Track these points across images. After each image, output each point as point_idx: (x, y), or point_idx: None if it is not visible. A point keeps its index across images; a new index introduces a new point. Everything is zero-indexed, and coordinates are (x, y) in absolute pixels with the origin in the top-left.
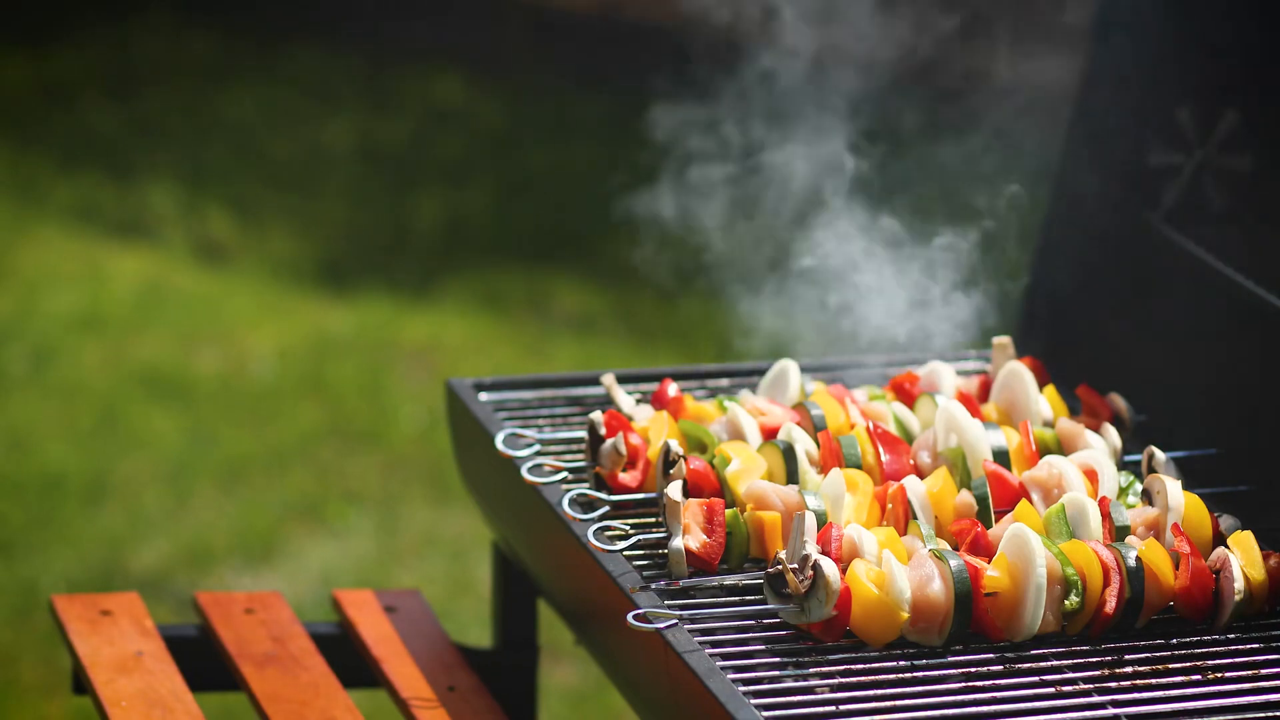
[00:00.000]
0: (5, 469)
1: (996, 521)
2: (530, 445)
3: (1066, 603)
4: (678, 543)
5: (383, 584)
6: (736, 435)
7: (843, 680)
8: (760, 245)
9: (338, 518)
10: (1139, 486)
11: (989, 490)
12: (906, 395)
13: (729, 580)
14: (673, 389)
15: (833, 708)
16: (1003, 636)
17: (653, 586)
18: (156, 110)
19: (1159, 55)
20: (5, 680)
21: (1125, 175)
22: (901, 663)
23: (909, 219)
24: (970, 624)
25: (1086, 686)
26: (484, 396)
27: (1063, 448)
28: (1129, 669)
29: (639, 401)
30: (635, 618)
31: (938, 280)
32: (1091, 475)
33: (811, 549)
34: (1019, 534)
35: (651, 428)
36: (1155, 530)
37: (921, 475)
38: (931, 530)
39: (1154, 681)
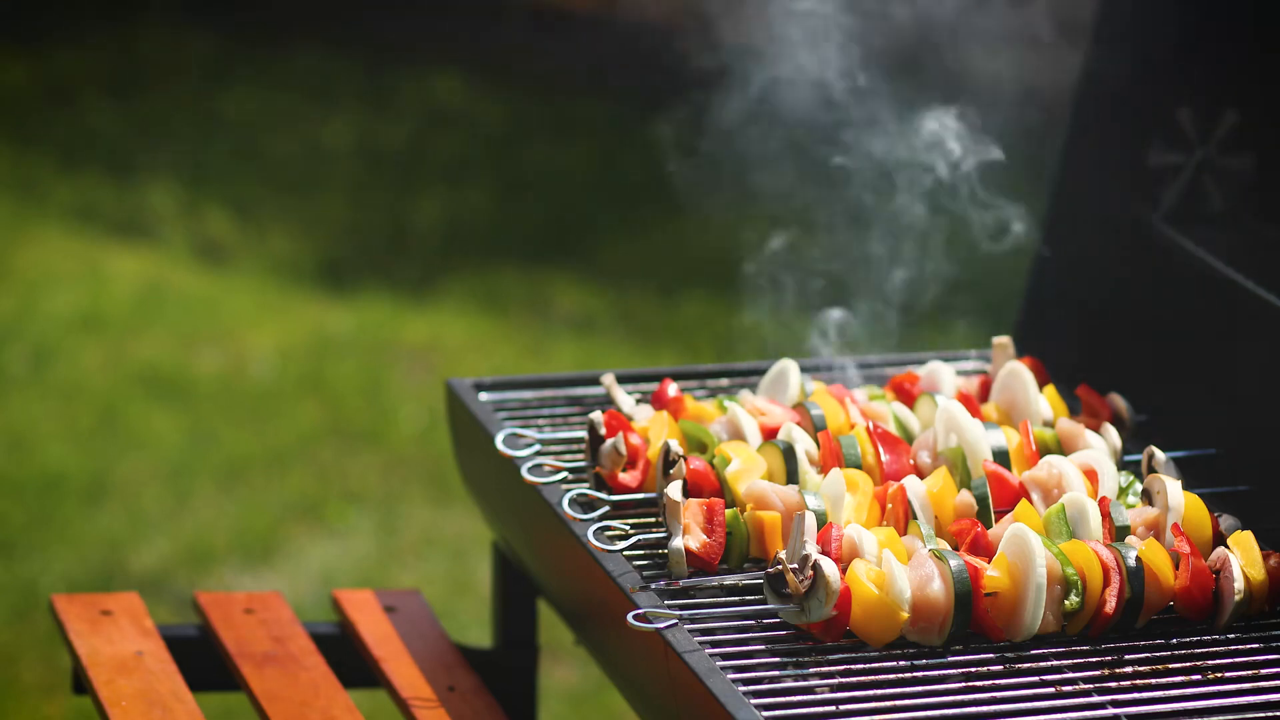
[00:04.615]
0: (5, 469)
1: (996, 521)
2: (530, 445)
3: (1066, 603)
4: (678, 543)
5: (383, 584)
6: (736, 435)
7: (843, 680)
8: (759, 247)
9: (338, 518)
10: (1139, 486)
11: (989, 490)
12: (906, 395)
13: (729, 580)
14: (673, 389)
15: (833, 708)
16: (1003, 636)
17: (653, 586)
18: (156, 110)
19: (1159, 55)
20: (5, 680)
21: (1125, 175)
22: (901, 663)
23: (909, 218)
24: (970, 624)
25: (1086, 686)
26: (484, 396)
27: (1063, 448)
28: (1129, 669)
29: (639, 401)
30: (635, 618)
31: (938, 279)
32: (1091, 475)
33: (811, 549)
34: (1019, 534)
35: (651, 428)
36: (1155, 530)
37: (921, 475)
38: (931, 530)
39: (1154, 681)
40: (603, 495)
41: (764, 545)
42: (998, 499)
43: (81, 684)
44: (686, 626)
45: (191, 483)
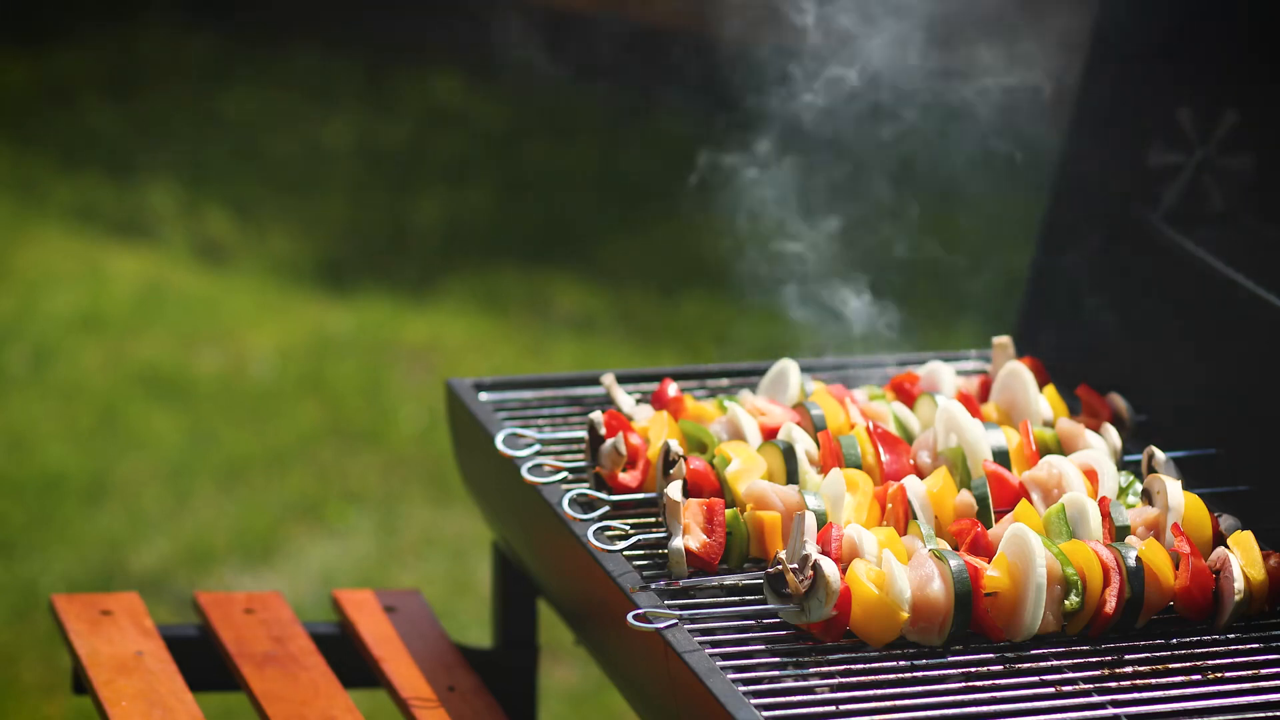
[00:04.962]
0: (5, 469)
1: (996, 521)
2: (530, 445)
3: (1066, 603)
4: (678, 543)
5: (383, 584)
6: (736, 435)
7: (843, 680)
8: (758, 245)
9: (338, 518)
10: (1139, 486)
11: (989, 490)
12: (906, 395)
13: (729, 580)
14: (673, 389)
15: (833, 708)
16: (1003, 636)
17: (653, 586)
18: (156, 110)
19: (1159, 55)
20: (5, 680)
21: (1125, 175)
22: (901, 663)
23: (911, 222)
24: (970, 624)
25: (1086, 686)
26: (484, 396)
27: (1063, 448)
28: (1129, 669)
29: (639, 401)
30: (635, 618)
31: (940, 279)
32: (1091, 475)
33: (811, 549)
34: (1019, 534)
35: (651, 428)
36: (1155, 530)
37: (921, 475)
38: (931, 530)
39: (1154, 681)
40: (603, 495)
41: (764, 545)
42: (998, 499)
43: (81, 684)
44: (686, 626)
45: (191, 483)
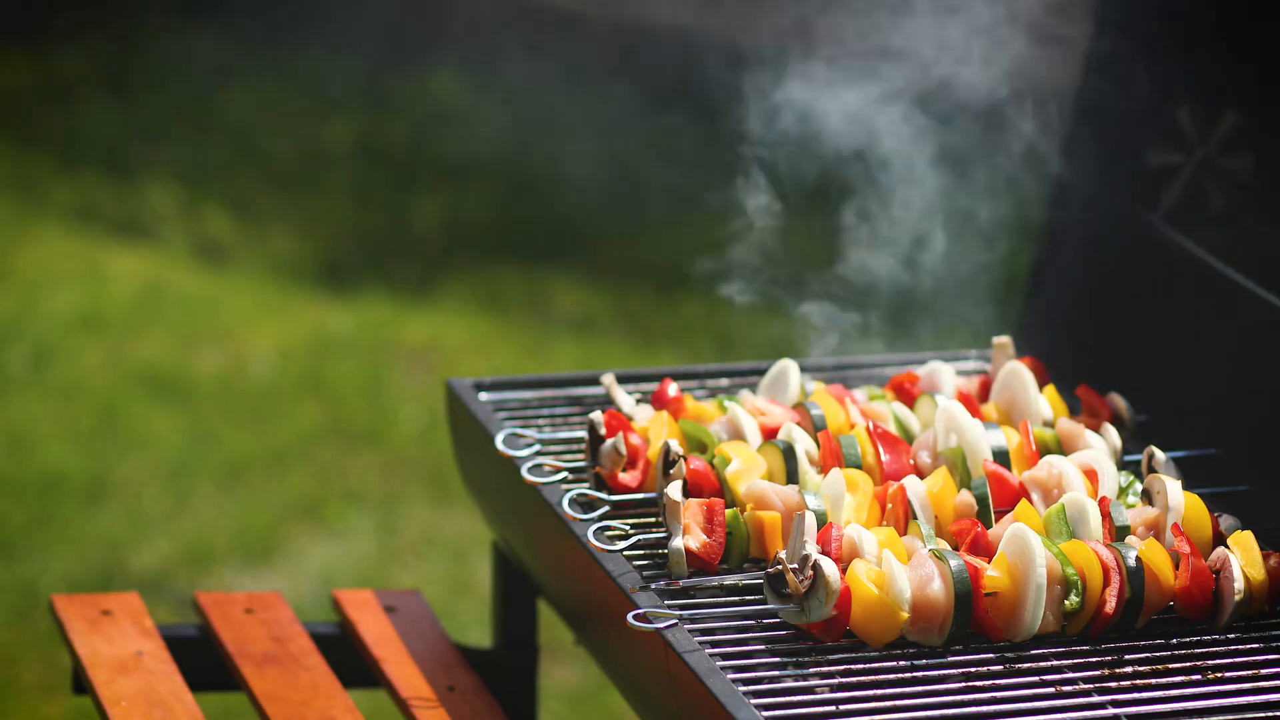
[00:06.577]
0: (5, 469)
1: (996, 521)
2: (530, 445)
3: (1066, 603)
4: (678, 543)
5: (383, 584)
6: (736, 435)
7: (843, 680)
8: (761, 243)
9: (338, 518)
10: (1139, 486)
11: (989, 490)
12: (906, 395)
13: (729, 580)
14: (673, 389)
15: (833, 708)
16: (1003, 636)
17: (653, 586)
18: (156, 110)
19: (1159, 55)
20: (5, 680)
21: (1125, 175)
22: (901, 663)
23: (912, 218)
24: (970, 624)
25: (1086, 686)
26: (484, 396)
27: (1063, 448)
28: (1129, 669)
29: (639, 401)
30: (635, 618)
31: (939, 279)
32: (1091, 475)
33: (811, 549)
34: (1019, 534)
35: (651, 428)
36: (1155, 530)
37: (921, 475)
38: (931, 530)
39: (1154, 681)
40: (603, 495)
41: (764, 545)
42: (998, 499)
43: (81, 684)
44: (686, 626)
45: (191, 483)
